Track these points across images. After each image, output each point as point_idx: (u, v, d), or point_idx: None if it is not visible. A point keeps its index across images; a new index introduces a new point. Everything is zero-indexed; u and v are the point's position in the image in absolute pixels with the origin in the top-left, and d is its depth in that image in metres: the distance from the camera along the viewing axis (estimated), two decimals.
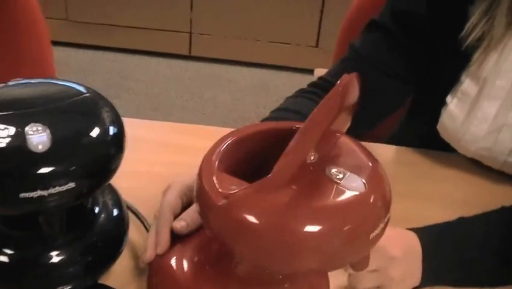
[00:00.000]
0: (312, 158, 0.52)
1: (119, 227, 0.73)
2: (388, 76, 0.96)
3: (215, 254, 0.60)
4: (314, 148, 0.51)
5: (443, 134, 0.97)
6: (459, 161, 0.98)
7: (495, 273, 0.77)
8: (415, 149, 1.01)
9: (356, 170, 0.52)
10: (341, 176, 0.51)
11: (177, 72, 2.64)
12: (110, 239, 0.71)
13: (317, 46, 2.62)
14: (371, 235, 0.50)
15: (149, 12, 2.60)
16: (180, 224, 0.67)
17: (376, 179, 0.53)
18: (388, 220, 0.53)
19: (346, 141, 0.56)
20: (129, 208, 0.79)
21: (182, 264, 0.62)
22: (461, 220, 0.79)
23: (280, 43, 2.63)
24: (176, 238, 0.67)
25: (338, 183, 0.51)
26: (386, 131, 1.18)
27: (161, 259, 0.66)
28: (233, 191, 0.51)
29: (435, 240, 0.76)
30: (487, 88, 0.89)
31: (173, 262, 0.64)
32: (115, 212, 0.73)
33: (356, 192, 0.50)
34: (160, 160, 0.92)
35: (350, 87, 0.47)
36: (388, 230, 0.71)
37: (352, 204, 0.50)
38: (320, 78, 1.00)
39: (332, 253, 0.50)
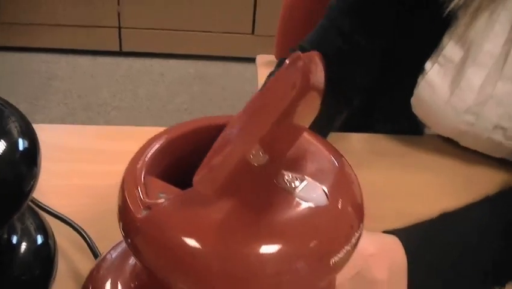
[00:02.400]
0: (260, 159, 0.40)
1: (45, 256, 0.63)
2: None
3: (153, 282, 0.50)
4: (261, 147, 0.40)
5: (418, 108, 0.87)
6: (434, 143, 0.90)
7: (487, 276, 0.70)
8: (386, 136, 0.92)
9: (318, 175, 0.43)
10: (297, 183, 0.41)
11: (108, 70, 2.51)
12: (36, 272, 0.61)
13: (252, 33, 2.53)
14: (332, 260, 0.40)
15: (74, 9, 2.46)
16: None
17: (341, 184, 0.44)
18: (357, 239, 0.43)
19: (308, 139, 0.47)
20: (74, 228, 0.69)
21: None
22: (445, 217, 0.70)
23: (214, 32, 2.54)
24: (116, 259, 0.57)
25: (291, 194, 0.41)
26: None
27: (94, 282, 0.56)
28: (159, 201, 0.41)
29: (419, 244, 0.67)
30: (473, 54, 0.79)
31: (107, 286, 0.54)
32: (39, 239, 0.63)
33: (315, 205, 0.41)
34: (98, 170, 0.81)
35: (313, 66, 0.38)
36: (370, 244, 0.63)
37: (307, 219, 0.41)
38: (301, 47, 0.88)
39: (276, 282, 0.40)
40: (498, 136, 0.83)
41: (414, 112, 0.88)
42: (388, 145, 0.91)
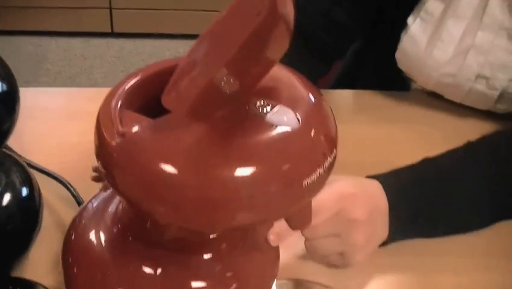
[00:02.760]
0: (231, 86, 0.40)
1: (30, 208, 0.64)
2: None
3: (135, 220, 0.50)
4: (231, 73, 0.40)
5: (403, 63, 0.89)
6: (420, 98, 0.92)
7: (467, 217, 0.71)
8: (374, 91, 0.94)
9: (291, 103, 0.43)
10: (268, 108, 0.42)
11: (99, 51, 2.51)
12: (20, 223, 0.62)
13: None
14: (305, 182, 0.41)
15: None
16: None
17: (315, 114, 0.44)
18: (330, 166, 0.43)
19: (280, 72, 0.47)
20: (60, 181, 0.70)
21: (100, 238, 0.53)
22: (426, 162, 0.72)
23: (206, 11, 2.53)
24: (97, 207, 0.57)
25: (262, 117, 0.42)
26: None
27: (75, 234, 0.56)
28: (133, 129, 0.41)
29: (402, 188, 0.68)
30: (453, 6, 0.82)
31: (91, 236, 0.55)
32: (24, 192, 0.64)
33: (286, 128, 0.41)
34: (85, 129, 0.81)
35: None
36: (351, 186, 0.64)
37: (278, 142, 0.41)
38: None
39: (250, 204, 0.40)
40: (481, 86, 0.84)
41: (400, 67, 0.89)
42: (375, 100, 0.92)
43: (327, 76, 1.02)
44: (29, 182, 0.65)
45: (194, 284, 0.50)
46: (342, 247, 0.64)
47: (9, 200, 0.61)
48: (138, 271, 0.50)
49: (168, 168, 0.40)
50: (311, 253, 0.66)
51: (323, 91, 0.91)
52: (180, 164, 0.40)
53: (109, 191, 0.57)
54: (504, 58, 0.82)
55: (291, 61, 0.82)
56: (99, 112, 0.45)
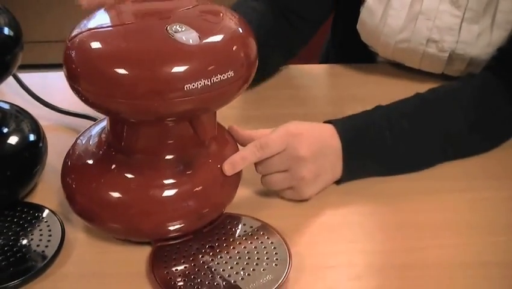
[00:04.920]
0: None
1: (35, 148, 0.78)
2: None
3: (115, 137, 0.67)
4: None
5: (363, 34, 1.00)
6: (384, 68, 1.04)
7: (419, 156, 0.81)
8: (342, 64, 1.06)
9: (200, 27, 0.58)
10: (178, 29, 0.56)
11: None
12: (26, 159, 0.77)
13: None
14: (187, 86, 0.56)
15: None
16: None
17: (220, 40, 0.59)
18: (220, 83, 0.58)
19: (213, 7, 0.61)
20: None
21: (89, 158, 0.69)
22: (378, 108, 0.81)
23: None
24: (85, 140, 0.73)
25: (170, 35, 0.57)
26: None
27: (70, 161, 0.71)
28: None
29: (357, 134, 0.78)
30: None
31: (83, 159, 0.71)
32: (31, 136, 0.79)
33: (184, 42, 0.57)
34: None
35: None
36: (300, 127, 0.74)
37: (176, 51, 0.57)
38: None
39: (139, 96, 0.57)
40: (432, 50, 0.95)
41: (362, 38, 1.01)
42: (343, 72, 1.05)
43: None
44: (37, 130, 0.80)
45: (165, 181, 0.66)
46: (291, 182, 0.74)
47: (18, 141, 0.76)
48: (122, 175, 0.67)
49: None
50: (267, 187, 0.76)
51: (296, 67, 1.05)
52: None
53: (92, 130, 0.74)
54: (449, 21, 0.92)
55: (269, 30, 0.96)
56: None
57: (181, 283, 0.62)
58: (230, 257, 0.65)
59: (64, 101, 0.90)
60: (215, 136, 0.67)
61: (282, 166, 0.74)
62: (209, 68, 0.57)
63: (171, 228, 0.66)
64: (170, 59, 0.56)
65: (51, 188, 0.78)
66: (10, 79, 0.80)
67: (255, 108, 0.94)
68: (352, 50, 1.06)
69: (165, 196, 0.65)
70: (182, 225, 0.67)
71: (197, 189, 0.66)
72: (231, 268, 0.64)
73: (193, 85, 0.56)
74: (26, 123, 0.80)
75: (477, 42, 0.92)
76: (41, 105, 0.90)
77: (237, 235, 0.68)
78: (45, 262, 0.66)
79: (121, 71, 0.56)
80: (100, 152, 0.70)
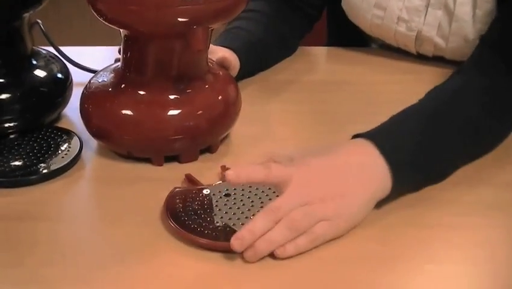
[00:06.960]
0: None
1: (62, 83, 0.90)
2: None
3: (132, 55, 0.79)
4: None
5: (348, 11, 1.07)
6: (377, 51, 1.12)
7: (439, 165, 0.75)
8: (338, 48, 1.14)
9: None
10: None
11: None
12: (52, 92, 0.88)
13: None
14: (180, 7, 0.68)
15: None
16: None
17: None
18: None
19: None
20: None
21: (104, 85, 0.81)
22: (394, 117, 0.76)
23: None
24: (99, 78, 0.83)
25: None
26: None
27: (87, 91, 0.82)
28: None
29: (390, 143, 0.71)
30: None
31: (99, 86, 0.81)
32: (59, 74, 0.90)
33: None
34: None
35: None
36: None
37: None
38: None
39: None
40: (402, 29, 1.03)
41: (347, 15, 1.08)
42: (339, 54, 1.14)
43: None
44: (65, 72, 0.91)
45: (171, 96, 0.77)
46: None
47: (45, 75, 0.87)
48: (135, 95, 0.78)
49: None
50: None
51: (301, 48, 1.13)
52: None
53: (106, 68, 0.84)
54: (416, 2, 1.00)
55: (272, 17, 1.06)
56: None
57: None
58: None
59: None
60: (206, 50, 0.77)
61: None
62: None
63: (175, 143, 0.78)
64: None
65: (73, 117, 0.91)
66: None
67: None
68: (347, 35, 1.14)
69: (170, 114, 0.77)
70: (184, 140, 0.78)
71: (196, 106, 0.78)
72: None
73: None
74: (56, 65, 0.91)
75: (441, 27, 0.99)
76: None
77: None
78: (65, 163, 0.78)
79: None
80: (112, 79, 0.81)
